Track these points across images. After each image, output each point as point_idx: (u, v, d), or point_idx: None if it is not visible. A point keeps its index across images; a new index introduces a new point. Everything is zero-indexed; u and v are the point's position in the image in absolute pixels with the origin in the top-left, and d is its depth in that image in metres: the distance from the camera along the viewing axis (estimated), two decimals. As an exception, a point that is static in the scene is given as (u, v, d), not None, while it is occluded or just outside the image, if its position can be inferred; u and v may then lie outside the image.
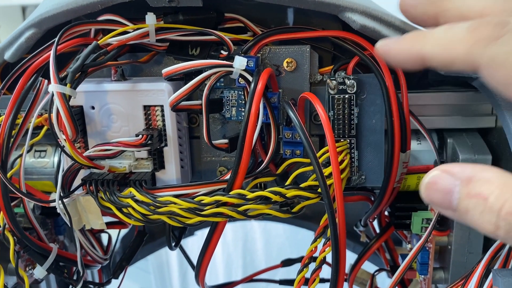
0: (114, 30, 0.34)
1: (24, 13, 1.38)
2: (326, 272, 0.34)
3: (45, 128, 0.37)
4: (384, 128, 0.35)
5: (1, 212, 0.35)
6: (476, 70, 0.26)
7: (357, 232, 0.50)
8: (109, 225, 0.44)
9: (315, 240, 0.34)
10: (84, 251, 0.42)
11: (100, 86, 0.36)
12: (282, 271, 0.66)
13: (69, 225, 0.36)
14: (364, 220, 0.45)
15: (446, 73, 0.36)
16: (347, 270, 0.45)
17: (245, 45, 0.35)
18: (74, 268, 0.43)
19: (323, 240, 0.33)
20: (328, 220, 0.31)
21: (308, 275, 0.34)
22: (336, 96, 0.35)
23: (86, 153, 0.34)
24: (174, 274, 1.36)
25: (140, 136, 0.34)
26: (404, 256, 0.38)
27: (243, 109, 0.37)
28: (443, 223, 0.39)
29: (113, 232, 0.50)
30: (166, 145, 0.36)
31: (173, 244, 0.46)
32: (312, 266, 0.34)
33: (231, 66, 0.33)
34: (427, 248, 0.40)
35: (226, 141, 0.36)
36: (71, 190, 0.35)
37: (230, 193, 0.32)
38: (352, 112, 0.35)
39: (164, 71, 0.33)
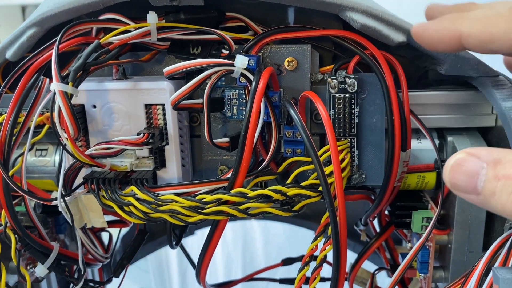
0: (116, 29, 0.34)
1: (24, 13, 1.38)
2: (326, 271, 0.34)
3: (46, 126, 0.37)
4: (384, 127, 0.35)
5: (3, 210, 0.35)
6: None
7: (357, 231, 0.50)
8: (110, 223, 0.44)
9: (315, 239, 0.34)
10: (85, 249, 0.42)
11: (102, 85, 0.36)
12: (282, 270, 0.66)
13: (71, 224, 0.36)
14: (364, 219, 0.46)
15: (447, 72, 0.36)
16: (347, 269, 0.45)
17: (246, 44, 0.36)
18: (75, 266, 0.44)
19: (323, 239, 0.34)
20: (329, 219, 0.31)
21: (308, 273, 0.34)
22: (337, 95, 0.35)
23: (87, 152, 0.34)
24: (174, 274, 1.36)
25: (142, 134, 0.34)
26: (404, 255, 0.38)
27: (244, 108, 0.37)
28: (443, 222, 0.39)
29: (114, 231, 0.50)
30: (167, 143, 0.36)
31: (174, 243, 0.46)
32: (313, 264, 0.34)
33: (232, 65, 0.33)
34: (427, 247, 0.40)
35: (227, 140, 0.36)
36: (72, 188, 0.35)
37: (231, 191, 0.32)
38: (353, 111, 0.35)
39: (166, 70, 0.34)
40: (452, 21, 0.29)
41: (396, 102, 0.34)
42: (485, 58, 0.34)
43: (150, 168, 0.36)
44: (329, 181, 0.31)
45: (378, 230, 0.46)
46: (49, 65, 0.32)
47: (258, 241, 1.35)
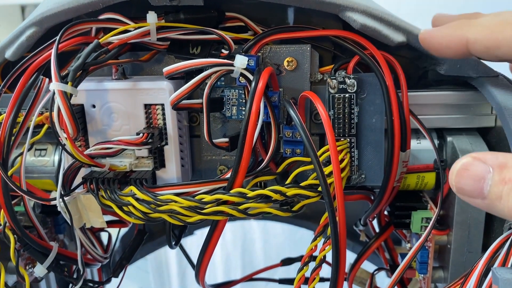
0: (115, 28, 0.34)
1: (24, 12, 1.38)
2: (325, 271, 0.34)
3: (45, 126, 0.37)
4: (384, 127, 0.35)
5: (2, 210, 0.35)
6: None
7: (356, 231, 0.50)
8: (109, 223, 0.44)
9: (315, 239, 0.34)
10: (84, 249, 0.42)
11: (101, 85, 0.36)
12: (281, 270, 0.66)
13: (70, 223, 0.36)
14: (363, 219, 0.46)
15: (446, 72, 0.36)
16: (346, 269, 0.45)
17: (245, 44, 0.36)
18: (74, 266, 0.43)
19: (323, 239, 0.33)
20: (329, 219, 0.31)
21: (308, 274, 0.34)
22: (337, 95, 0.35)
23: (87, 152, 0.34)
24: (173, 274, 1.36)
25: (141, 134, 0.34)
26: (403, 255, 0.38)
27: (243, 108, 0.37)
28: (443, 222, 0.39)
29: (113, 231, 0.50)
30: (166, 143, 0.36)
31: (173, 243, 0.46)
32: (312, 265, 0.34)
33: (231, 65, 0.33)
34: (426, 247, 0.40)
35: (226, 140, 0.36)
36: (71, 188, 0.35)
37: (230, 191, 0.32)
38: (352, 111, 0.35)
39: (165, 69, 0.34)
40: (459, 28, 0.29)
41: (395, 102, 0.34)
42: (485, 58, 0.34)
43: (149, 168, 0.36)
44: (329, 181, 0.31)
45: (377, 230, 0.46)
46: (49, 64, 0.32)
47: (258, 241, 1.35)
